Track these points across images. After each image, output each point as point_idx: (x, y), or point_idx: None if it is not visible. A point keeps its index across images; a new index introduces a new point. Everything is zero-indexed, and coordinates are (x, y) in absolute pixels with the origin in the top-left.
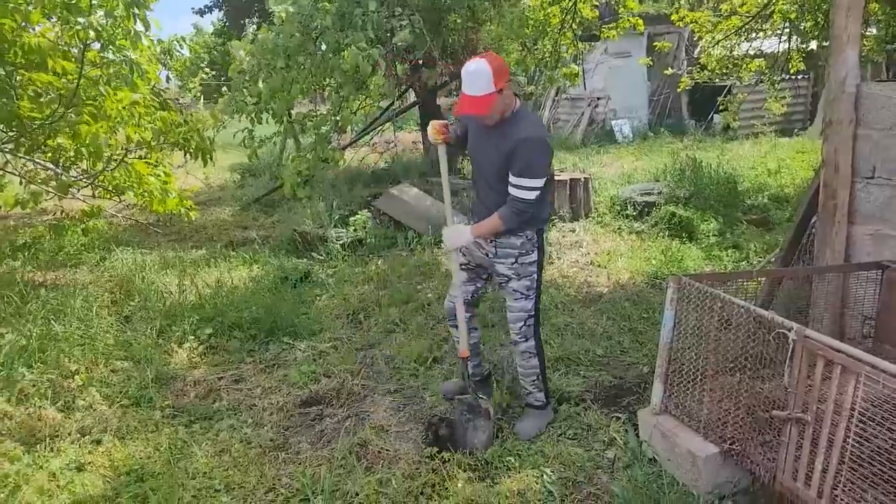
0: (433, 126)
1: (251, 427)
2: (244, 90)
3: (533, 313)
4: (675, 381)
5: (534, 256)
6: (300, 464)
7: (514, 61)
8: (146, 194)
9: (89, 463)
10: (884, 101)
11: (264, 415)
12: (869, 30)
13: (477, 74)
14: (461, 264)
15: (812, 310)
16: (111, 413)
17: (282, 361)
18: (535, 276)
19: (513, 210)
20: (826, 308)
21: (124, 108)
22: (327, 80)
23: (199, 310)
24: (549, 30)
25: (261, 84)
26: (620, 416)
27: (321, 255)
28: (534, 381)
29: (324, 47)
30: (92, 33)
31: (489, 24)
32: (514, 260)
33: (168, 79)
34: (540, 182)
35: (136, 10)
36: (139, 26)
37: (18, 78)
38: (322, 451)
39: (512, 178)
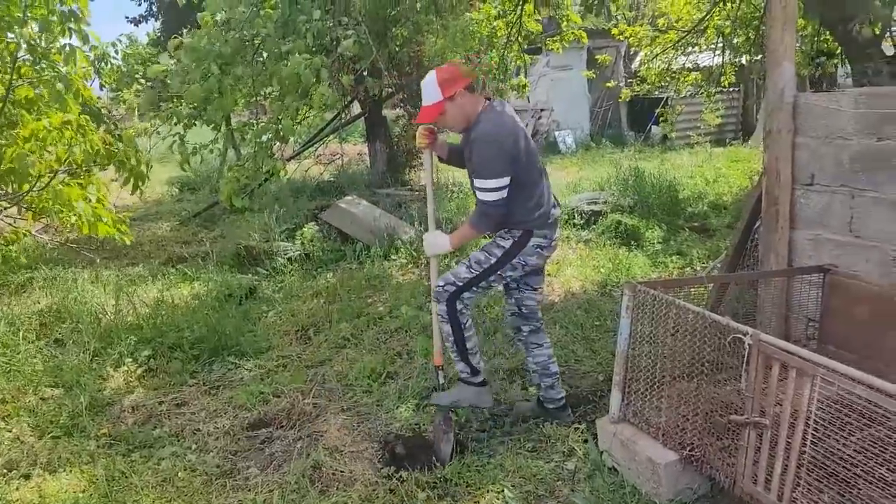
0: (420, 131)
1: (196, 453)
2: (171, 97)
3: (461, 284)
4: (632, 389)
5: (505, 243)
6: (250, 490)
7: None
8: (76, 217)
9: (17, 500)
10: (820, 111)
11: (209, 440)
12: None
13: (426, 85)
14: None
15: (759, 314)
16: (41, 445)
17: (227, 382)
18: (494, 259)
19: (479, 213)
20: (772, 312)
21: (55, 128)
22: (268, 88)
23: (137, 330)
24: (495, 42)
25: (189, 87)
26: (578, 426)
27: (267, 270)
28: (451, 348)
29: (264, 55)
30: (24, 46)
31: (433, 36)
32: (492, 240)
33: (101, 87)
34: (497, 182)
35: (73, 25)
36: (75, 41)
37: None
38: (273, 476)
39: (474, 181)
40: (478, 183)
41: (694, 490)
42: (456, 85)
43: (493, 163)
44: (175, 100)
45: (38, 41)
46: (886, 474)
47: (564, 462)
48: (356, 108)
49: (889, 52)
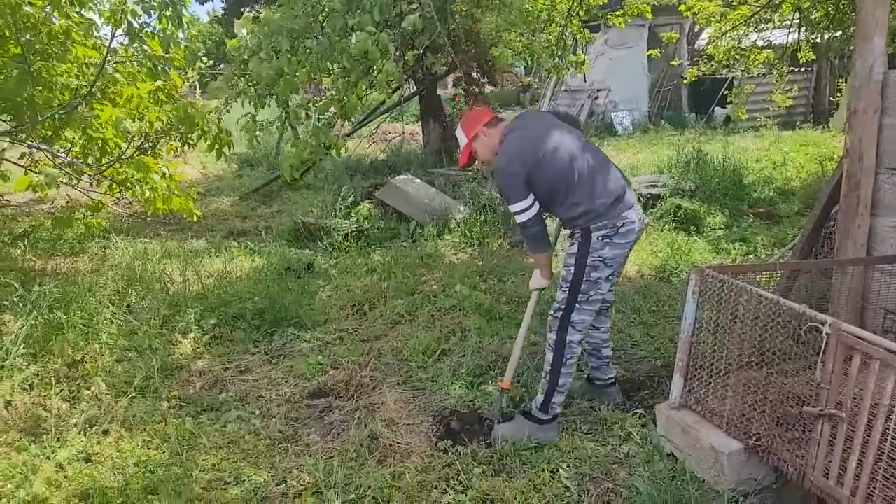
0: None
1: (259, 419)
2: (244, 74)
3: (563, 307)
4: (695, 376)
5: (574, 249)
6: (311, 456)
7: (521, 47)
8: (150, 190)
9: (97, 454)
10: None
11: (272, 406)
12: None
13: (458, 131)
14: None
15: (832, 304)
16: (117, 404)
17: (287, 352)
18: (572, 269)
19: (524, 237)
20: (846, 302)
21: (148, 94)
22: (333, 65)
23: (203, 300)
24: (554, 15)
25: (261, 65)
26: (636, 410)
27: (324, 246)
28: (544, 376)
29: (330, 31)
30: (131, 18)
31: (490, 14)
32: (567, 254)
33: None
34: (521, 204)
35: (168, 12)
36: (179, 32)
37: (35, 67)
38: (332, 444)
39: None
40: (510, 208)
41: (758, 481)
42: (476, 125)
43: (510, 189)
44: (245, 78)
45: (139, 15)
46: None
47: (621, 446)
48: (412, 89)
49: None
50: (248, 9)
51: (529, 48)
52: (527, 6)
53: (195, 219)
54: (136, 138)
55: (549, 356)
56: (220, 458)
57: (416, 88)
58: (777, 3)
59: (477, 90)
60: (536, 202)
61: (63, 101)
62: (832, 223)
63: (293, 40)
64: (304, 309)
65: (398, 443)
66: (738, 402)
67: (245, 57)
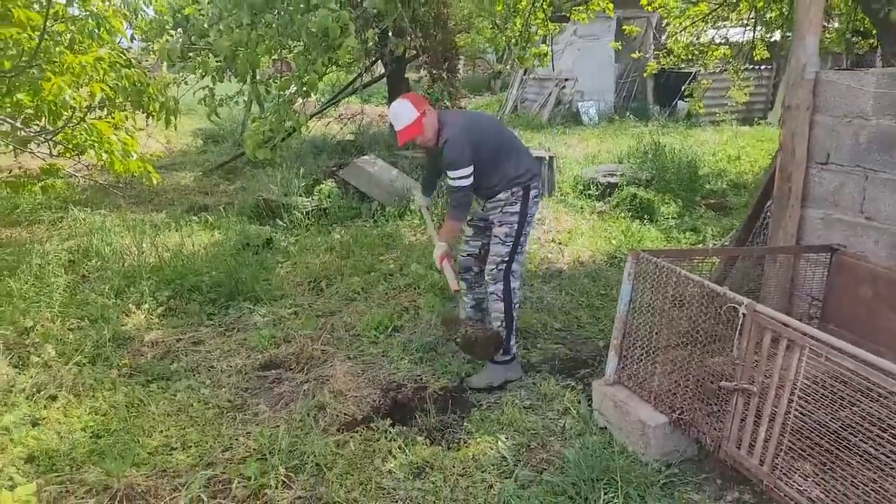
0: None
1: (209, 388)
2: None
3: (506, 259)
4: (628, 354)
5: (516, 208)
6: (258, 424)
7: (486, 39)
8: (107, 154)
9: (44, 419)
10: (841, 88)
11: (222, 376)
12: (831, 23)
13: (398, 109)
14: (468, 222)
15: (763, 289)
16: (67, 371)
17: (241, 325)
18: (515, 226)
19: (452, 201)
20: (776, 288)
21: (89, 63)
22: (293, 42)
23: (159, 272)
24: (519, 8)
25: (220, 37)
26: (575, 386)
27: (284, 223)
28: (500, 325)
29: (290, 7)
30: None
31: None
32: (499, 210)
33: (132, 38)
34: (463, 171)
35: None
36: None
37: None
38: (280, 413)
39: (448, 175)
40: (452, 175)
41: (681, 452)
42: (423, 104)
43: (460, 157)
44: (203, 51)
45: None
46: (870, 448)
47: (558, 419)
48: (380, 71)
49: None
50: None
51: (494, 40)
52: None
53: (155, 183)
54: (79, 109)
55: (500, 305)
56: (167, 426)
57: (384, 71)
58: (734, 1)
59: (443, 75)
60: (472, 175)
61: (11, 67)
62: (768, 213)
63: (254, 14)
64: (261, 284)
65: (345, 413)
66: (666, 378)
67: (205, 25)
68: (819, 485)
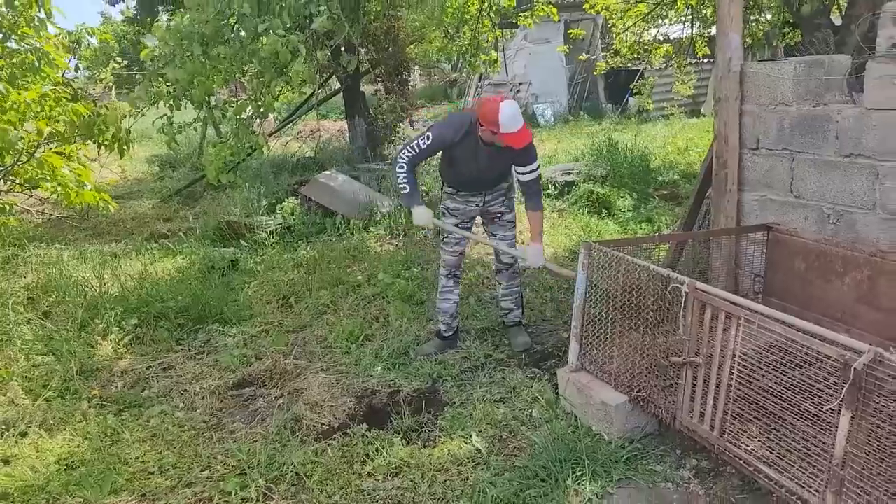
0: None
1: (183, 411)
2: (160, 78)
3: (513, 242)
4: (588, 340)
5: (513, 193)
6: (235, 441)
7: (437, 49)
8: (60, 187)
9: (15, 456)
10: (764, 78)
11: (196, 399)
12: (763, 15)
13: (516, 109)
14: (457, 224)
15: (711, 270)
16: (35, 406)
17: (212, 348)
18: (514, 210)
19: (538, 191)
20: (722, 268)
21: (34, 100)
22: (247, 66)
23: (123, 301)
24: (467, 17)
25: (176, 70)
26: (543, 377)
27: (249, 244)
28: (517, 298)
29: (242, 34)
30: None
31: (409, 11)
32: (503, 197)
33: (77, 68)
34: (537, 162)
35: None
36: (42, 14)
37: None
38: (257, 429)
39: (528, 170)
40: (532, 167)
41: (642, 428)
42: None
43: (535, 151)
44: (158, 80)
45: (3, 16)
46: (810, 407)
47: (528, 409)
48: (336, 85)
49: (838, 23)
50: (160, 7)
51: (446, 49)
52: (448, 4)
53: (112, 212)
54: (27, 147)
55: (519, 279)
56: (143, 451)
57: (340, 86)
58: (672, 0)
59: (397, 87)
60: None
61: None
62: (710, 199)
63: (205, 45)
64: (229, 305)
65: (321, 423)
66: (624, 360)
67: (160, 66)
68: (764, 444)
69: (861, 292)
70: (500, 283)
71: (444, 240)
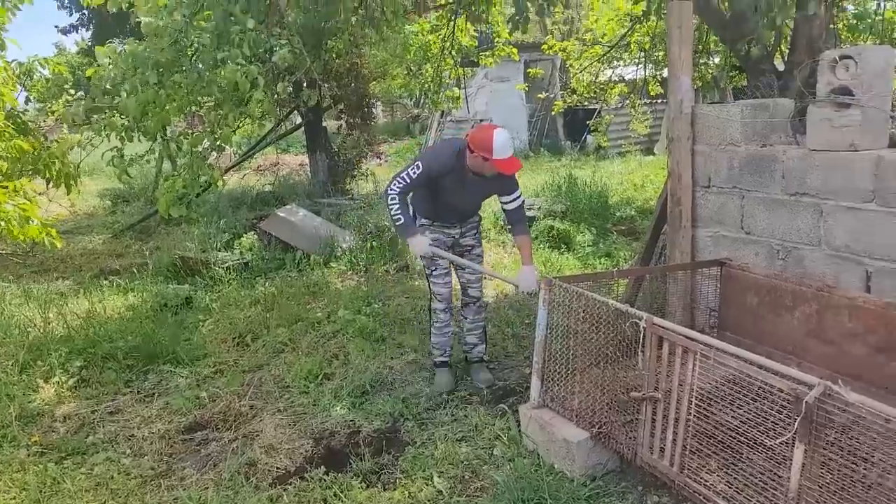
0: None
1: (130, 458)
2: (110, 107)
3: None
4: (550, 377)
5: (480, 228)
6: (185, 489)
7: (399, 85)
8: (3, 223)
9: None
10: (713, 120)
11: (144, 444)
12: (712, 58)
13: (509, 140)
14: (441, 259)
15: (668, 305)
16: None
17: (163, 390)
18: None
19: (524, 218)
20: (679, 303)
21: None
22: (204, 98)
23: (68, 342)
24: (430, 56)
25: (127, 97)
26: (505, 414)
27: (205, 280)
28: (481, 333)
29: (200, 65)
30: None
31: (372, 49)
32: (475, 230)
33: (28, 101)
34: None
35: None
36: None
37: None
38: (208, 475)
39: (514, 198)
40: (516, 194)
41: (604, 465)
42: None
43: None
44: (109, 111)
45: None
46: (766, 441)
47: (491, 448)
48: (297, 120)
49: (781, 67)
50: (116, 39)
51: (408, 85)
52: (411, 42)
53: (59, 247)
54: None
55: (484, 314)
56: (86, 501)
57: (301, 120)
58: (625, 43)
59: (358, 122)
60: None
61: None
62: (665, 235)
63: (161, 73)
64: (182, 345)
65: (277, 467)
66: (585, 396)
67: (108, 86)
68: (723, 478)
69: (810, 326)
70: (466, 318)
71: (434, 272)
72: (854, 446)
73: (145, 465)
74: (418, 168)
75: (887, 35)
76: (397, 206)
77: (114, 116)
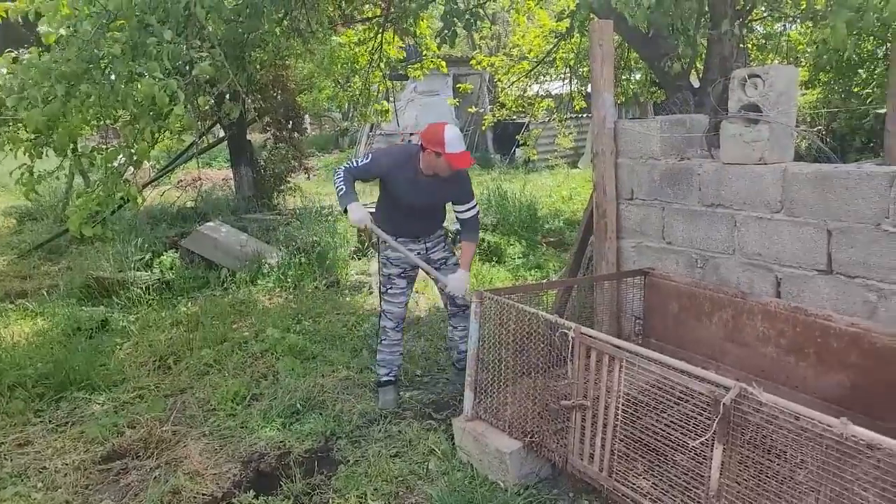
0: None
1: (42, 491)
2: (14, 121)
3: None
4: (483, 388)
5: (449, 241)
6: None
7: (326, 98)
8: None
9: None
10: (635, 135)
11: (58, 476)
12: (633, 75)
13: (459, 136)
14: (400, 275)
15: (596, 315)
16: None
17: (77, 418)
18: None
19: (475, 227)
20: (606, 312)
21: None
22: (119, 111)
23: None
24: (357, 68)
25: (31, 112)
26: (439, 427)
27: (121, 301)
28: (462, 340)
29: (113, 77)
30: None
31: (298, 60)
32: (442, 243)
33: None
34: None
35: None
36: None
37: None
38: None
39: (465, 204)
40: (471, 204)
41: (536, 473)
42: None
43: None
44: (13, 124)
45: None
46: (689, 442)
47: (425, 462)
48: (220, 134)
49: (696, 84)
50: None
51: (336, 98)
52: (338, 54)
53: None
54: None
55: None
56: None
57: (224, 133)
58: (551, 59)
59: (286, 135)
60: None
61: None
62: (592, 246)
63: (69, 85)
64: (97, 370)
65: (203, 493)
66: (517, 406)
67: (3, 96)
68: (649, 480)
69: (727, 331)
70: (456, 327)
71: (388, 290)
72: (768, 444)
73: (59, 499)
74: (368, 158)
75: (792, 55)
76: (341, 179)
77: (17, 131)
